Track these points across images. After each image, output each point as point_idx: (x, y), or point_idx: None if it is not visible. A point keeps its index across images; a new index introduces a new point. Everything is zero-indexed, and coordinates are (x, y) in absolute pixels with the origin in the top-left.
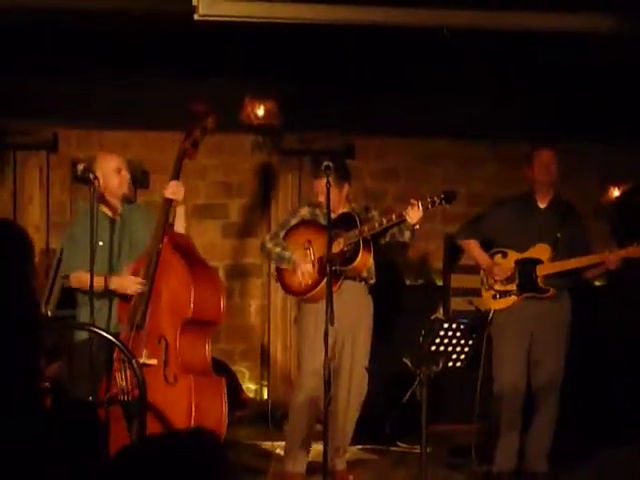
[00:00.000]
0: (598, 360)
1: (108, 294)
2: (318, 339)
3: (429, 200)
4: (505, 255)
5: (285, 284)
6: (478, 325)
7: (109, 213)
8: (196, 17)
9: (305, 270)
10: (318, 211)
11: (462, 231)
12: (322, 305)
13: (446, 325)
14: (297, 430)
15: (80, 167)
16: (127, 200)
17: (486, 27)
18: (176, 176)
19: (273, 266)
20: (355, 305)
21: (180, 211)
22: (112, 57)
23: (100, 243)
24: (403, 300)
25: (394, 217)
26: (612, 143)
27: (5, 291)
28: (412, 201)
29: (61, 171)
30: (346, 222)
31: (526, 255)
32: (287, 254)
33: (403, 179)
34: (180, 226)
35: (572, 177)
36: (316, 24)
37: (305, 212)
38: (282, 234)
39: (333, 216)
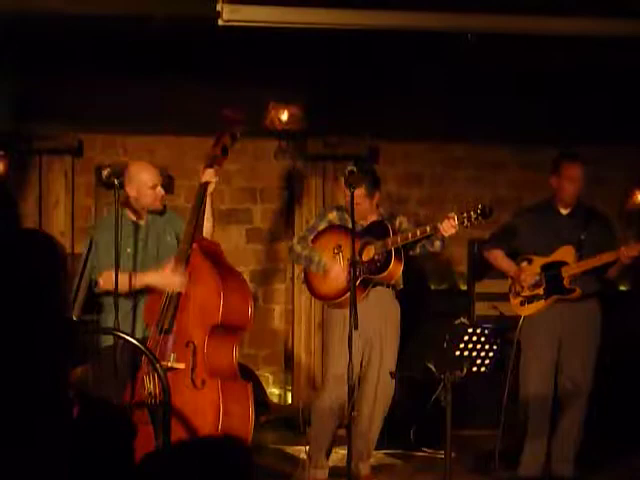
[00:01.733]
0: (625, 365)
1: (134, 298)
2: (344, 344)
3: (465, 215)
4: (531, 262)
5: (313, 288)
6: (503, 330)
7: (133, 218)
8: (220, 22)
9: (338, 275)
10: (347, 215)
11: (487, 243)
12: (348, 312)
13: (470, 330)
14: (321, 435)
15: (105, 172)
16: (155, 212)
17: (510, 31)
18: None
19: (300, 269)
20: (382, 310)
21: (208, 211)
22: (136, 63)
23: (128, 250)
24: (427, 304)
25: (428, 229)
26: (638, 147)
27: (38, 302)
28: (450, 215)
29: (86, 176)
30: (378, 230)
31: (551, 259)
32: (317, 258)
33: (427, 184)
34: (209, 225)
35: (598, 181)
36: (339, 29)
37: (333, 216)
38: (310, 238)
39: (365, 223)
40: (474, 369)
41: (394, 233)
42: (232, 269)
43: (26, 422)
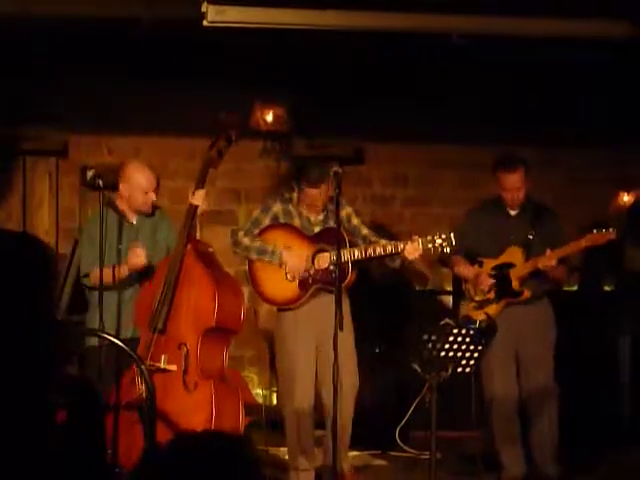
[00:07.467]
0: (607, 361)
1: (120, 298)
2: (299, 346)
3: (429, 238)
4: (481, 264)
5: (260, 289)
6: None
7: (119, 217)
8: (205, 23)
9: (294, 267)
10: (291, 207)
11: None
12: (300, 312)
13: (455, 330)
14: (295, 439)
15: (90, 173)
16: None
17: (498, 32)
18: (201, 185)
19: (245, 269)
20: (330, 306)
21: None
22: (122, 63)
23: (120, 247)
24: (412, 305)
25: (390, 249)
26: (624, 147)
27: (25, 305)
28: (413, 237)
29: (71, 177)
30: (333, 238)
31: (499, 261)
32: (271, 247)
33: (412, 185)
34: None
35: (582, 181)
36: (325, 30)
37: (278, 209)
38: (256, 232)
39: (319, 227)
40: (459, 369)
41: (351, 245)
42: (225, 272)
43: (4, 427)
